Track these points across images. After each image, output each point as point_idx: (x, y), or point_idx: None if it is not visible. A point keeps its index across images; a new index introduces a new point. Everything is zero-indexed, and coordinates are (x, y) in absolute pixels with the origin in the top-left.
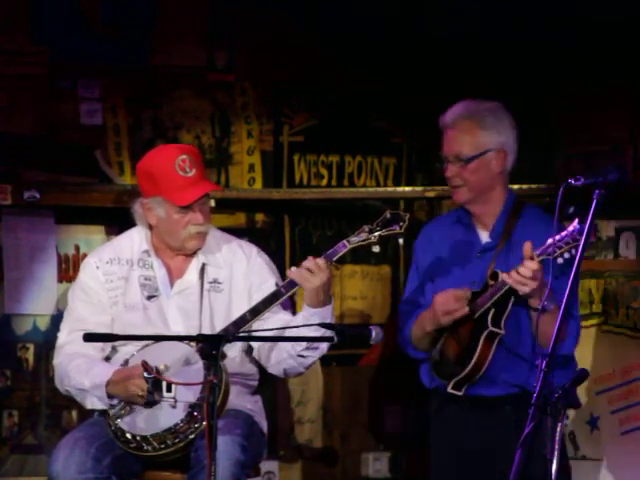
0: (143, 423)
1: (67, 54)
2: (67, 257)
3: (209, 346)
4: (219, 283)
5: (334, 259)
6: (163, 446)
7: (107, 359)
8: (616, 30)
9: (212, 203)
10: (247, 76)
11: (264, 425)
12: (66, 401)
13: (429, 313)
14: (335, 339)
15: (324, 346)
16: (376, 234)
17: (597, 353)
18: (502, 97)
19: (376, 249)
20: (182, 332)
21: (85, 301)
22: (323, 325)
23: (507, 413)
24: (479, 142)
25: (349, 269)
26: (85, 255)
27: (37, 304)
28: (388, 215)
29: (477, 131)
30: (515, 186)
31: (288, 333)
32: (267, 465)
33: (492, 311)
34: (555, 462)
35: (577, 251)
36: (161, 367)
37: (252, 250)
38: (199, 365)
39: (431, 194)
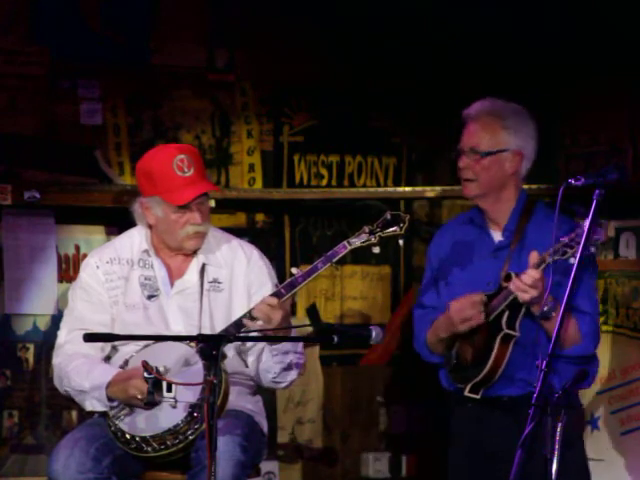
0: (143, 424)
1: (67, 54)
2: (67, 257)
3: (209, 346)
4: (219, 283)
5: (334, 260)
6: (163, 447)
7: (107, 359)
8: (616, 30)
9: (212, 203)
10: (247, 76)
11: (264, 425)
12: (66, 401)
13: (444, 320)
14: (335, 339)
15: (293, 373)
16: (376, 235)
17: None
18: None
19: (376, 250)
20: (182, 332)
21: (85, 300)
22: (323, 325)
23: (525, 414)
24: (498, 140)
25: (349, 269)
26: (85, 255)
27: (37, 304)
28: (388, 216)
29: (498, 129)
30: None
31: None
32: (267, 465)
33: (506, 313)
34: (555, 462)
35: (588, 251)
36: (160, 369)
37: (253, 251)
38: (199, 365)
39: (431, 194)
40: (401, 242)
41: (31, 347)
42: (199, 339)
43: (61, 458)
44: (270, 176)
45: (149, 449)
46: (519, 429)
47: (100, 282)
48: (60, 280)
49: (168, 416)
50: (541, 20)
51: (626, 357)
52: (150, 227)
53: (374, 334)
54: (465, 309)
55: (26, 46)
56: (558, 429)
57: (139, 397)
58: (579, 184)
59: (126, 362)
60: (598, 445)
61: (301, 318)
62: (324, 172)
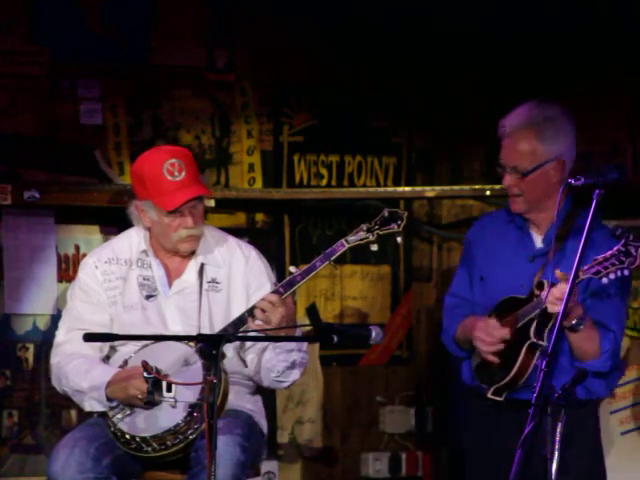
0: (143, 424)
1: (67, 54)
2: (67, 257)
3: (209, 346)
4: (217, 283)
5: (332, 258)
6: (163, 447)
7: (107, 359)
8: (616, 30)
9: (212, 203)
10: (247, 76)
11: (264, 425)
12: (66, 401)
13: (470, 332)
14: (335, 339)
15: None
16: (374, 233)
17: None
18: (502, 97)
19: (374, 247)
20: (181, 332)
21: (84, 300)
22: (323, 325)
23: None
24: (537, 155)
25: (349, 269)
26: (85, 255)
27: (37, 304)
28: (386, 214)
29: (535, 143)
30: None
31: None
32: (267, 465)
33: (535, 322)
34: (555, 462)
35: (622, 273)
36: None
37: (251, 251)
38: (198, 365)
39: (431, 194)
40: (399, 239)
41: (31, 347)
42: (199, 339)
43: (61, 458)
44: (270, 176)
45: (149, 449)
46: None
47: (99, 282)
48: (60, 280)
49: (168, 416)
50: (541, 20)
51: (626, 357)
52: (148, 228)
53: (374, 334)
54: (488, 336)
55: (26, 46)
56: (558, 429)
57: (139, 397)
58: (579, 184)
59: (125, 362)
60: None
61: (301, 318)
62: (324, 172)
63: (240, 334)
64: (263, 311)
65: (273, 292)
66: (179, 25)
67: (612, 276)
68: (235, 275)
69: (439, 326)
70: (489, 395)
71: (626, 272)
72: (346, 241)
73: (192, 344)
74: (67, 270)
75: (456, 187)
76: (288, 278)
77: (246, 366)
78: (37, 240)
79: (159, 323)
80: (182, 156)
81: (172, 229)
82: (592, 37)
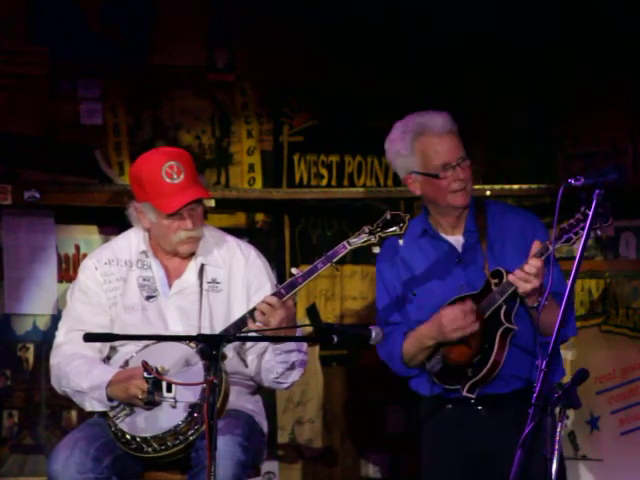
0: (143, 424)
1: (67, 54)
2: (67, 257)
3: (209, 346)
4: (217, 283)
5: (334, 260)
6: (163, 447)
7: (107, 359)
8: (616, 30)
9: (212, 203)
10: (247, 76)
11: (264, 425)
12: (66, 401)
13: (431, 329)
14: (335, 339)
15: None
16: (376, 235)
17: (597, 353)
18: (502, 97)
19: (376, 250)
20: (181, 332)
21: (84, 302)
22: (323, 325)
23: (512, 411)
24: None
25: (349, 269)
26: (85, 255)
27: (37, 304)
28: (388, 216)
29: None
30: (515, 186)
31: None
32: (267, 465)
33: (503, 308)
34: (555, 462)
35: (595, 233)
36: (158, 369)
37: (250, 251)
38: (199, 366)
39: None
40: (401, 242)
41: (31, 347)
42: (199, 339)
43: (61, 458)
44: (270, 176)
45: (149, 449)
46: (513, 427)
47: (99, 283)
48: (60, 280)
49: (168, 416)
50: (541, 20)
51: (626, 357)
52: (147, 229)
53: (374, 334)
54: (458, 319)
55: (26, 46)
56: (558, 429)
57: (140, 397)
58: (579, 184)
59: (126, 362)
60: (598, 445)
61: (301, 318)
62: (324, 172)
63: (240, 334)
64: (263, 313)
65: (273, 294)
66: (179, 25)
67: (583, 240)
68: (235, 275)
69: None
70: (464, 393)
71: (599, 232)
72: (348, 243)
73: (193, 344)
74: (67, 270)
75: None
76: (290, 280)
77: (247, 366)
78: (37, 240)
79: (159, 323)
80: (181, 158)
81: (171, 231)
82: (592, 37)
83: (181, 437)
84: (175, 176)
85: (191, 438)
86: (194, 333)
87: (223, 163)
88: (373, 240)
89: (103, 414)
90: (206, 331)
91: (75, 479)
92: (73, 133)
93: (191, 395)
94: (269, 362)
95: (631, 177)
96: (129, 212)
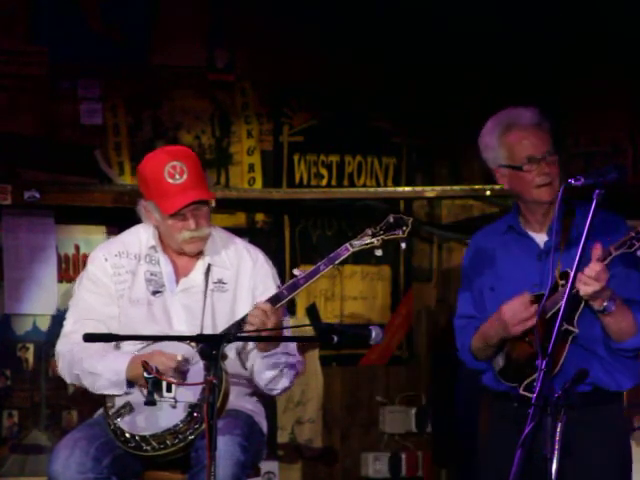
0: (143, 423)
1: (67, 54)
2: (67, 257)
3: (209, 346)
4: (224, 283)
5: (337, 262)
6: (162, 446)
7: None
8: (616, 30)
9: (212, 203)
10: (247, 76)
11: (264, 425)
12: (66, 401)
13: (495, 325)
14: (335, 339)
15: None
16: (379, 238)
17: None
18: (502, 97)
19: (379, 253)
20: (185, 330)
21: (93, 292)
22: (323, 325)
23: (582, 412)
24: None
25: (349, 269)
26: (85, 255)
27: (37, 304)
28: (391, 219)
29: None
30: None
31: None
32: (267, 465)
33: (565, 309)
34: (555, 462)
35: None
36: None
37: (258, 254)
38: (200, 366)
39: (431, 194)
40: (403, 245)
41: (31, 347)
42: (198, 339)
43: (61, 458)
44: (270, 176)
45: (148, 448)
46: (572, 429)
47: (108, 275)
48: (60, 280)
49: (168, 416)
50: (542, 20)
51: None
52: (155, 226)
53: (374, 334)
54: (518, 312)
55: (26, 46)
56: (558, 429)
57: (172, 365)
58: (579, 184)
59: None
60: None
61: (301, 318)
62: (324, 172)
63: (239, 334)
64: (257, 319)
65: (275, 294)
66: (179, 25)
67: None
68: (242, 277)
69: (439, 328)
70: (521, 392)
71: None
72: (350, 245)
73: (194, 344)
74: (67, 270)
75: (456, 187)
76: (291, 281)
77: (245, 369)
78: (37, 240)
79: (164, 321)
80: (185, 158)
81: (175, 230)
82: (592, 37)
83: (180, 436)
84: (177, 176)
85: (190, 438)
86: (198, 332)
87: (223, 163)
88: (375, 243)
89: (103, 413)
90: (208, 331)
91: (75, 479)
92: (73, 133)
93: (191, 395)
94: (259, 367)
95: (631, 177)
96: (138, 208)
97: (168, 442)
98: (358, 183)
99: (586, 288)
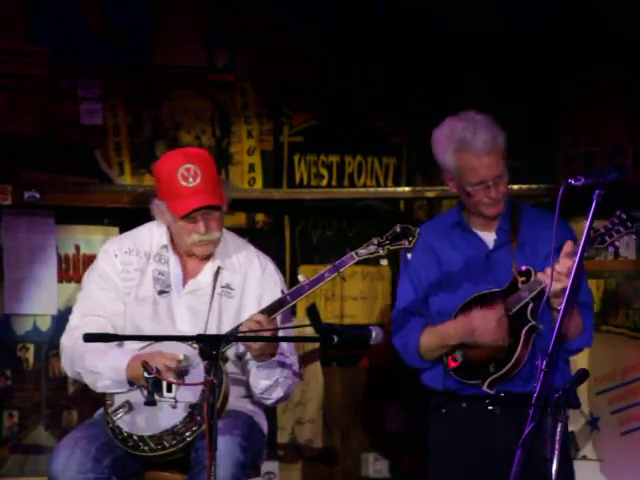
0: (142, 423)
1: (67, 54)
2: (67, 257)
3: (209, 347)
4: (231, 289)
5: (342, 270)
6: (160, 447)
7: None
8: (616, 30)
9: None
10: (247, 76)
11: (264, 425)
12: (66, 401)
13: (456, 330)
14: (335, 339)
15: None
16: (385, 247)
17: (597, 353)
18: (502, 97)
19: (384, 262)
20: (188, 332)
21: (101, 287)
22: (323, 325)
23: (527, 412)
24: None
25: (349, 269)
26: (85, 255)
27: (37, 304)
28: (398, 229)
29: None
30: (515, 186)
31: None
32: (267, 465)
33: (530, 306)
34: (555, 462)
35: (630, 238)
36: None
37: (268, 263)
38: (200, 366)
39: (431, 194)
40: (409, 256)
41: (31, 347)
42: (198, 339)
43: (61, 458)
44: (270, 176)
45: (146, 448)
46: (519, 427)
47: (117, 271)
48: (60, 280)
49: (167, 416)
50: (542, 20)
51: (626, 357)
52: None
53: (374, 334)
54: (491, 328)
55: (26, 46)
56: (558, 429)
57: (173, 366)
58: (579, 184)
59: None
60: (598, 445)
61: (301, 318)
62: (324, 172)
63: (239, 335)
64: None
65: (280, 299)
66: (179, 25)
67: (618, 243)
68: (250, 283)
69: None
70: (484, 388)
71: (633, 237)
72: (356, 254)
73: (195, 345)
74: (67, 270)
75: None
76: (296, 287)
77: (244, 374)
78: (37, 240)
79: (168, 321)
80: (200, 162)
81: (185, 232)
82: (592, 37)
83: (178, 437)
84: (191, 179)
85: (188, 439)
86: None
87: (223, 163)
88: (381, 252)
89: (103, 412)
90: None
91: (75, 479)
92: (73, 133)
93: (191, 395)
94: (254, 377)
95: (631, 177)
96: (152, 207)
97: (166, 443)
98: (358, 183)
99: (556, 284)
